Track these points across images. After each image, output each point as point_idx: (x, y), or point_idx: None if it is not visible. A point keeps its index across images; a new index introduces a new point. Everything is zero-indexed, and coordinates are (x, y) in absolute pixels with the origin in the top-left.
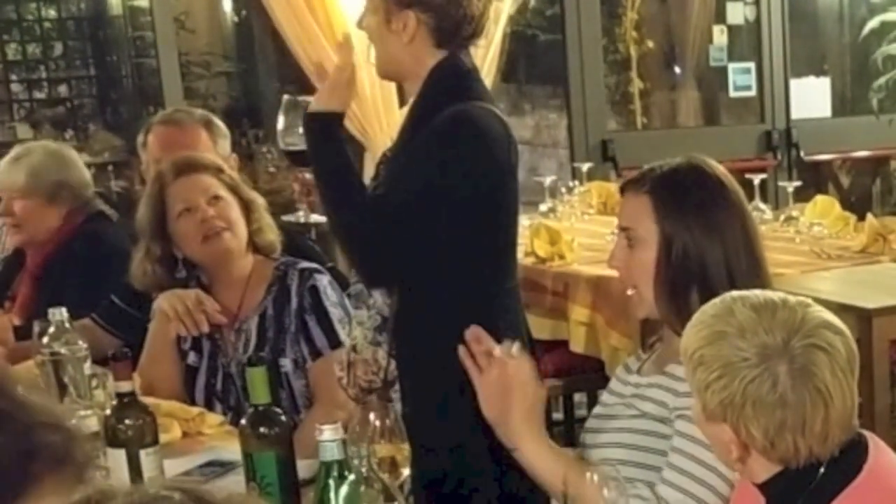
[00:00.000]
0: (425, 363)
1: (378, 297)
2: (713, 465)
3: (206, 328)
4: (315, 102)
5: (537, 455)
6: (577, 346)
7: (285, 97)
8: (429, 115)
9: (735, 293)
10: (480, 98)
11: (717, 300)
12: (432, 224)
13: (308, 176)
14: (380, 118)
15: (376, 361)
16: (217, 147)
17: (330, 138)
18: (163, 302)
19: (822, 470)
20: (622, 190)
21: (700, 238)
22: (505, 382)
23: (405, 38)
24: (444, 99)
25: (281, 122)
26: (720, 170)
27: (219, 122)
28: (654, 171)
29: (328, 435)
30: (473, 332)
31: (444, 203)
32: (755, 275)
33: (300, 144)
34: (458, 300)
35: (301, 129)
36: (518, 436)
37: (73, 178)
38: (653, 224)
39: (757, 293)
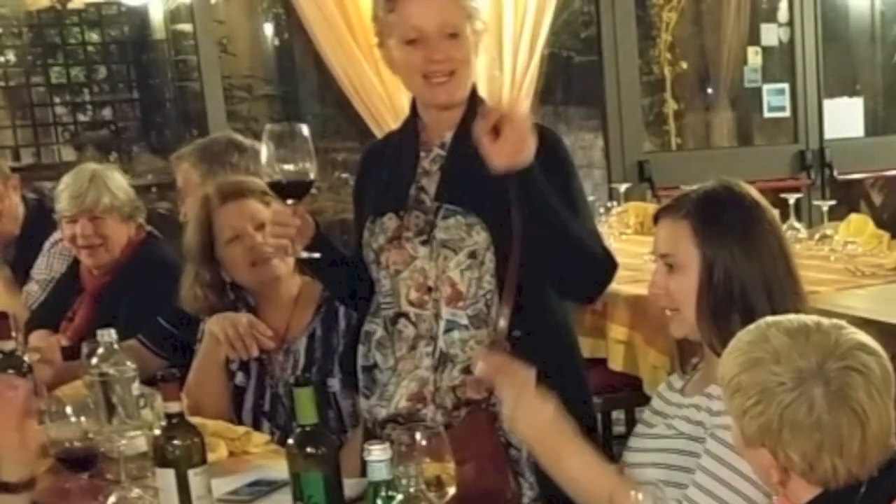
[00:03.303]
0: (546, 373)
1: (493, 316)
2: (738, 489)
3: (255, 353)
4: (503, 161)
5: (583, 469)
6: (616, 363)
7: (268, 126)
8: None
9: (770, 319)
10: None
11: (752, 326)
12: None
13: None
14: None
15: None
16: None
17: (535, 193)
18: (213, 325)
19: (862, 490)
20: (656, 217)
21: (740, 259)
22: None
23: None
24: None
25: (264, 153)
26: (752, 190)
27: None
28: (688, 197)
29: (376, 455)
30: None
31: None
32: (793, 292)
33: (284, 176)
34: (568, 310)
35: (285, 164)
36: (559, 456)
37: (136, 196)
38: (694, 248)
39: (791, 318)
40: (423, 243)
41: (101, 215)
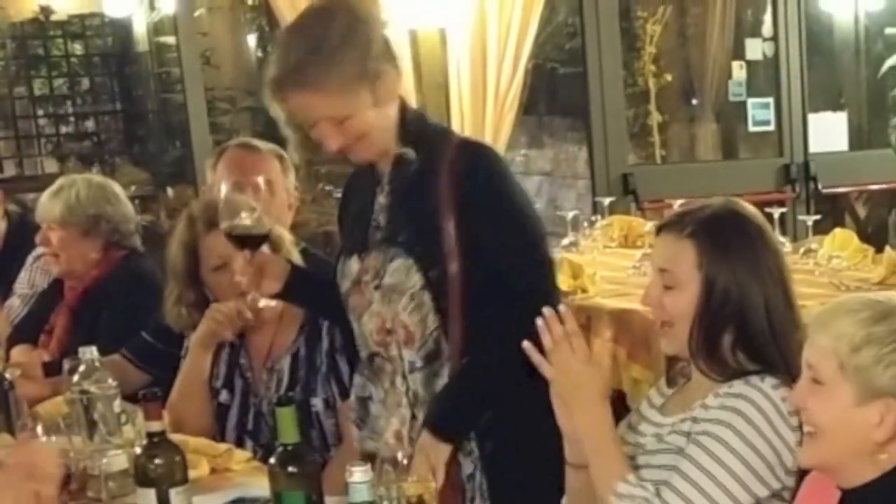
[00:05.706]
0: (507, 395)
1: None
2: (722, 483)
3: (249, 316)
4: None
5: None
6: None
7: (232, 180)
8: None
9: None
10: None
11: (849, 297)
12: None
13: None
14: None
15: None
16: (286, 179)
17: None
18: (204, 322)
19: None
20: (658, 231)
21: (742, 281)
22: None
23: (392, 99)
24: (425, 141)
25: (221, 204)
26: (755, 212)
27: (287, 157)
28: (692, 215)
29: (358, 476)
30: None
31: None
32: (790, 314)
33: (238, 227)
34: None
35: (244, 214)
36: (597, 418)
37: (111, 213)
38: (695, 269)
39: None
40: (376, 288)
41: (52, 226)
